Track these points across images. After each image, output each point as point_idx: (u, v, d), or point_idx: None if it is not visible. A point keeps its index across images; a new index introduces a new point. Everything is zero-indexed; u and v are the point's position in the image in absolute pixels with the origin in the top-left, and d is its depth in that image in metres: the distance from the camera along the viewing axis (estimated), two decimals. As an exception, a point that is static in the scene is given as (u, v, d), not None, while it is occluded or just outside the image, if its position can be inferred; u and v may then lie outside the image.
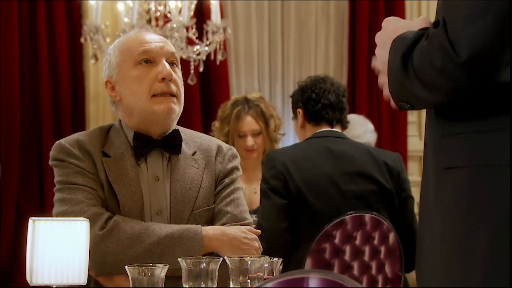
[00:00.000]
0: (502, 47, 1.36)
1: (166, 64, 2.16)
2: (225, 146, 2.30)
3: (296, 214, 2.99)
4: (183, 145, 2.21)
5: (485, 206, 1.35)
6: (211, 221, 2.19)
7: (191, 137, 2.27)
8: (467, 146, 1.41)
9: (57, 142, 2.16)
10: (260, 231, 2.18)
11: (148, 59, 2.15)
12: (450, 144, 1.45)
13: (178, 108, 2.17)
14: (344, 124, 3.23)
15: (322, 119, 3.18)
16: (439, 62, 1.38)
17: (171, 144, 2.18)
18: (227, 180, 2.23)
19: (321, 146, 3.09)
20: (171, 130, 2.20)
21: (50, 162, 2.15)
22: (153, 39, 2.19)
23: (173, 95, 2.15)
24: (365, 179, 3.02)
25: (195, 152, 2.22)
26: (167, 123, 2.17)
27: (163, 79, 2.13)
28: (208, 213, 2.18)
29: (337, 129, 3.18)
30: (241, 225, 2.16)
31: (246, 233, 2.13)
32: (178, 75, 2.20)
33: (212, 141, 2.29)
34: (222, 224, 2.16)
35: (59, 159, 2.12)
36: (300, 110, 3.23)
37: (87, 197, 2.06)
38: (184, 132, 2.27)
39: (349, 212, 2.91)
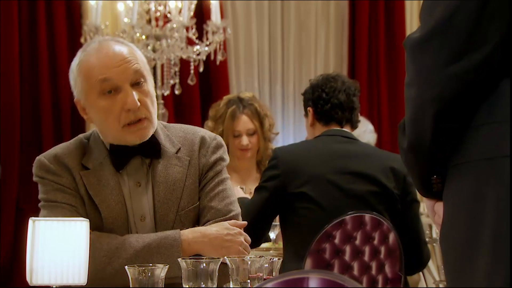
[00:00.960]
0: None
1: (130, 91, 2.05)
2: (209, 136, 2.19)
3: (297, 212, 2.99)
4: (167, 144, 2.14)
5: (486, 200, 1.35)
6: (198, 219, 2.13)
7: (175, 133, 2.18)
8: (469, 141, 1.41)
9: (37, 158, 2.12)
10: (246, 222, 2.11)
11: (111, 89, 2.05)
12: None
13: (151, 127, 2.10)
14: (354, 124, 3.19)
15: (332, 119, 3.16)
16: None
17: (149, 149, 2.12)
18: (211, 174, 2.14)
19: (328, 145, 3.08)
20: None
21: (34, 179, 2.13)
22: (113, 60, 2.05)
23: (143, 118, 2.07)
24: (367, 180, 3.01)
25: (179, 149, 2.14)
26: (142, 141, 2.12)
27: (129, 109, 2.05)
28: (194, 212, 2.12)
29: (346, 129, 3.17)
30: (226, 219, 2.09)
31: (229, 229, 2.05)
32: (145, 90, 2.08)
33: (196, 133, 2.19)
34: (207, 221, 2.09)
35: (39, 176, 2.11)
36: (310, 109, 3.20)
37: (66, 215, 2.01)
38: (168, 127, 2.19)
39: (349, 212, 2.90)
